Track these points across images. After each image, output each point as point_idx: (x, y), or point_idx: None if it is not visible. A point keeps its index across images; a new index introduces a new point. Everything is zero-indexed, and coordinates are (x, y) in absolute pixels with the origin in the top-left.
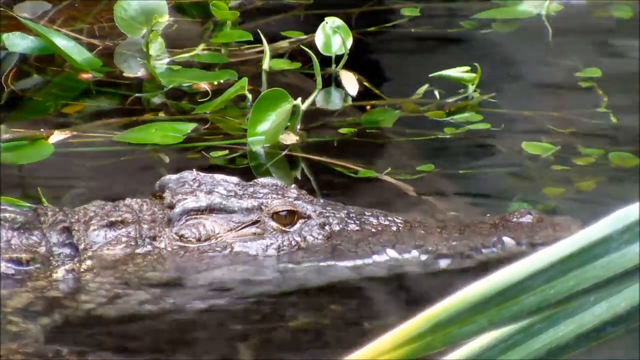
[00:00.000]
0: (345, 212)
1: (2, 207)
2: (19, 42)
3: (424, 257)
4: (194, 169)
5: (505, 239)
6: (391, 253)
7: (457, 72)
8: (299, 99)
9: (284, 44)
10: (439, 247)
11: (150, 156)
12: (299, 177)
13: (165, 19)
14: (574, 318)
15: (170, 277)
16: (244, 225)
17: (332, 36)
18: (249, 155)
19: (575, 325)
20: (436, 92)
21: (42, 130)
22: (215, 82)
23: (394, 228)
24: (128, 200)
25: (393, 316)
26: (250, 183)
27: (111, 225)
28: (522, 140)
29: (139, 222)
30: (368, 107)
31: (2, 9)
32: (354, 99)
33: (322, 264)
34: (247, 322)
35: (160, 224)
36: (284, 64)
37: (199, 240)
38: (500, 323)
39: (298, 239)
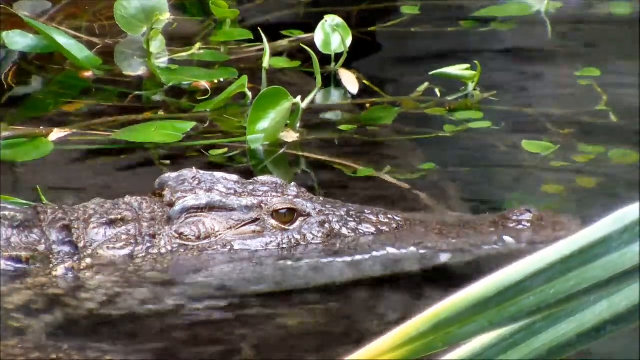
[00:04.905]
0: (345, 210)
1: (1, 205)
2: (19, 40)
3: (423, 255)
4: (193, 167)
5: (505, 237)
6: (391, 250)
7: (457, 69)
8: (299, 97)
9: (283, 42)
10: (439, 244)
11: (150, 154)
12: (299, 174)
13: (165, 17)
14: (574, 317)
15: (169, 275)
16: (243, 223)
17: (332, 34)
18: (248, 154)
19: (576, 324)
20: (436, 90)
21: (42, 128)
22: (215, 81)
23: (394, 226)
24: (128, 198)
25: (393, 315)
26: (250, 181)
27: (111, 223)
28: (522, 138)
29: (138, 220)
30: (368, 105)
31: (2, 6)
32: (353, 97)
33: (322, 261)
34: (246, 320)
35: (160, 222)
36: (283, 62)
37: (198, 238)
38: (500, 323)
39: (298, 236)
